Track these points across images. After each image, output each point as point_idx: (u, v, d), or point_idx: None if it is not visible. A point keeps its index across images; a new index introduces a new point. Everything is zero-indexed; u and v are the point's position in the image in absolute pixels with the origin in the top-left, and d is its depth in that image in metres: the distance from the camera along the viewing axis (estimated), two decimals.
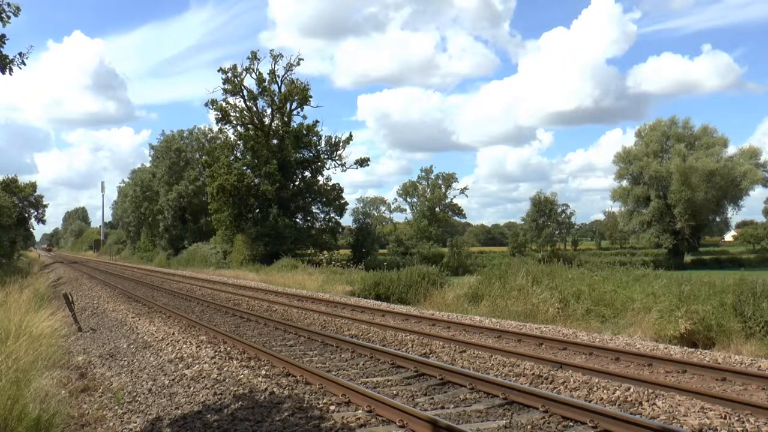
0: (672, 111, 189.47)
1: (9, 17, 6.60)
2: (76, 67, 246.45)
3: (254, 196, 51.51)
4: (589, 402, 7.29)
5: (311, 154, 54.58)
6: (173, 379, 9.37)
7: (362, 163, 55.23)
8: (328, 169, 55.07)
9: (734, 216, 73.66)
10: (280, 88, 52.32)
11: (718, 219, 65.30)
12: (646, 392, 7.61)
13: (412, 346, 11.71)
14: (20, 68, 6.68)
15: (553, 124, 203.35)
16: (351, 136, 54.66)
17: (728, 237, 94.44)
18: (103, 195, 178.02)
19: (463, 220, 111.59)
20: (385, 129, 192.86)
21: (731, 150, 62.90)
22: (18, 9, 6.61)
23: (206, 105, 51.82)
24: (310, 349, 11.52)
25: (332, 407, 7.33)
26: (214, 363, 10.05)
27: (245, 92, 51.85)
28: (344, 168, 54.61)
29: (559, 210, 74.73)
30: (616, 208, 72.06)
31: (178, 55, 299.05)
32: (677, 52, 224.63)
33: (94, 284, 31.47)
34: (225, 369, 9.58)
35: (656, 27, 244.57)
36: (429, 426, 6.30)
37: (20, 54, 6.73)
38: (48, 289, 26.86)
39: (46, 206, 67.75)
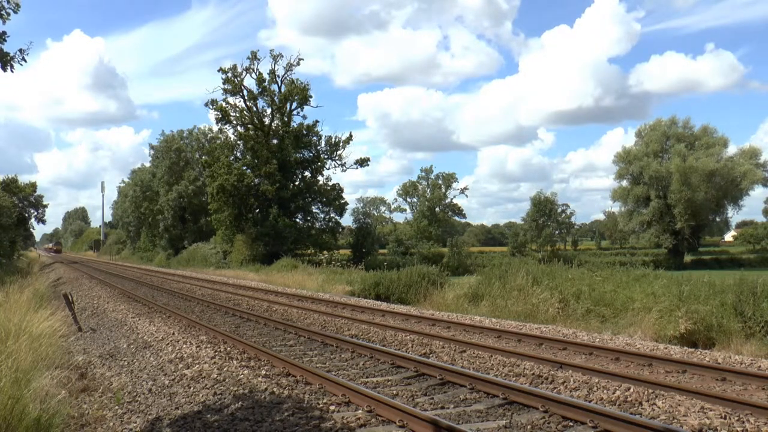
0: (674, 110, 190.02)
1: (9, 14, 6.61)
2: (76, 66, 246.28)
3: (254, 196, 51.53)
4: (589, 402, 7.29)
5: (311, 154, 54.61)
6: (173, 379, 9.37)
7: (362, 163, 55.30)
8: (328, 169, 55.19)
9: (734, 216, 73.60)
10: (280, 88, 52.41)
11: (718, 219, 65.28)
12: (646, 392, 7.61)
13: (412, 346, 11.71)
14: (21, 65, 6.69)
15: (554, 123, 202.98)
16: (351, 136, 54.79)
17: (728, 237, 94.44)
18: (103, 195, 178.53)
19: (463, 220, 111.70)
20: (386, 129, 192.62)
21: (731, 150, 63.07)
22: (18, 5, 6.62)
23: (206, 105, 51.95)
24: (310, 349, 11.52)
25: (332, 407, 7.33)
26: (214, 363, 10.05)
27: (245, 92, 51.94)
28: (344, 168, 54.73)
29: (559, 210, 74.77)
30: (616, 208, 72.12)
31: (179, 55, 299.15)
32: (680, 51, 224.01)
33: (94, 284, 31.48)
34: (225, 369, 9.59)
35: (659, 26, 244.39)
36: (429, 426, 6.30)
37: (20, 50, 6.74)
38: (48, 289, 26.86)
39: (46, 206, 67.80)
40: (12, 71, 6.72)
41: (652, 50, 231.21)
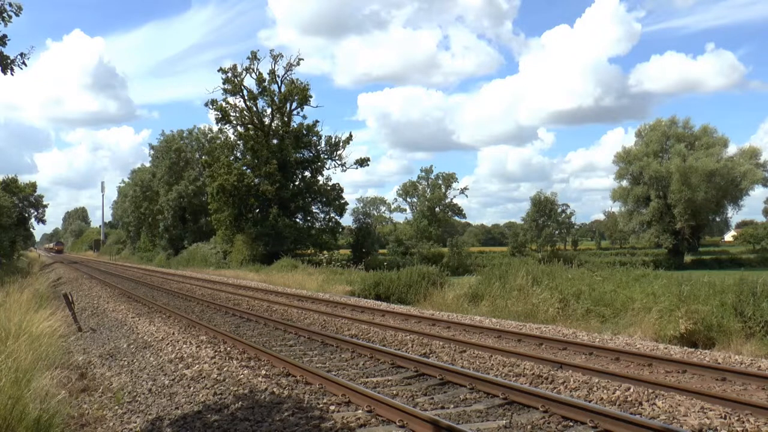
0: (675, 110, 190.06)
1: (11, 17, 6.60)
2: (76, 66, 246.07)
3: (254, 196, 51.56)
4: (589, 402, 7.29)
5: (311, 154, 54.65)
6: (173, 379, 9.37)
7: (362, 163, 55.33)
8: (328, 169, 55.27)
9: (734, 216, 73.65)
10: (280, 88, 52.44)
11: (718, 219, 65.32)
12: (646, 392, 7.61)
13: (412, 346, 11.71)
14: (21, 69, 6.68)
15: (554, 123, 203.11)
16: (351, 136, 54.87)
17: (728, 237, 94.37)
18: (103, 195, 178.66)
19: (463, 220, 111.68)
20: (386, 128, 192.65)
21: (731, 150, 63.16)
22: (20, 8, 6.61)
23: (206, 105, 51.98)
24: (310, 349, 11.52)
25: (332, 407, 7.33)
26: (214, 363, 10.05)
27: (245, 92, 51.98)
28: (344, 168, 54.78)
29: (559, 210, 74.78)
30: (616, 208, 72.15)
31: (179, 55, 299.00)
32: (681, 51, 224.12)
33: (94, 284, 31.47)
34: (225, 369, 9.58)
35: (660, 26, 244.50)
36: (429, 426, 6.30)
37: (21, 54, 6.73)
38: (48, 289, 26.87)
39: (46, 206, 67.97)
40: (12, 74, 6.71)
41: (652, 50, 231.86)
